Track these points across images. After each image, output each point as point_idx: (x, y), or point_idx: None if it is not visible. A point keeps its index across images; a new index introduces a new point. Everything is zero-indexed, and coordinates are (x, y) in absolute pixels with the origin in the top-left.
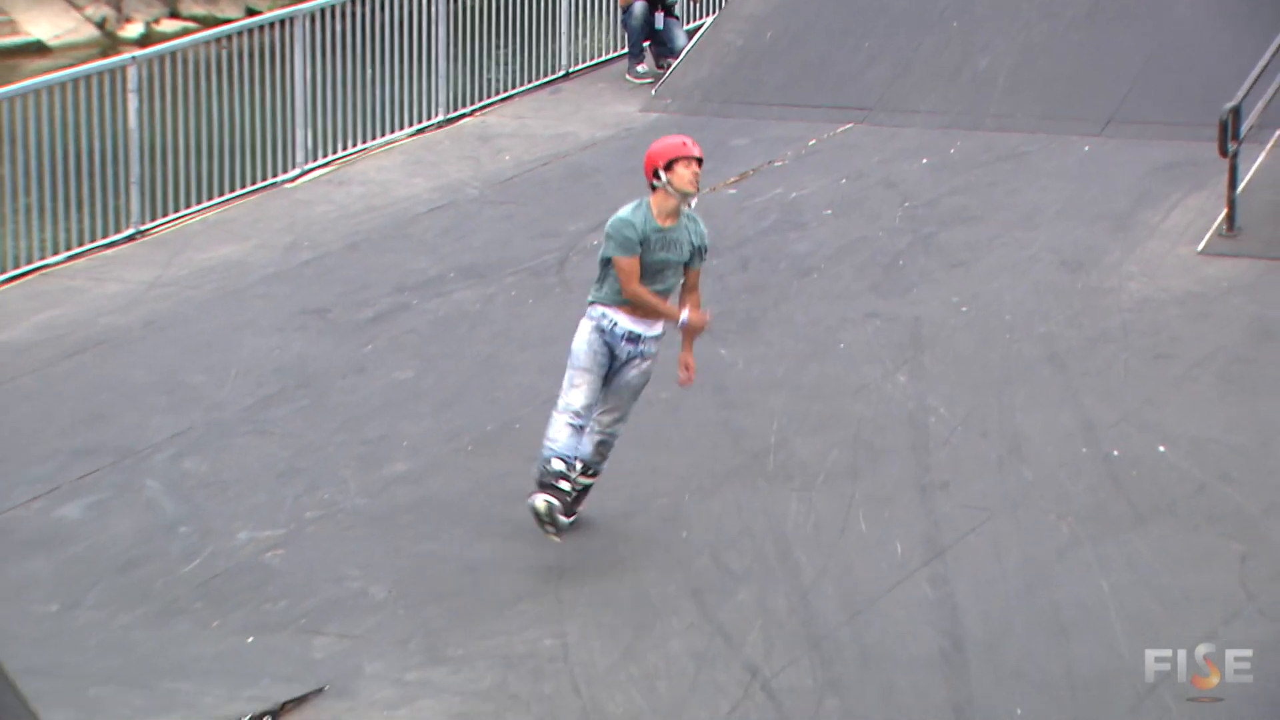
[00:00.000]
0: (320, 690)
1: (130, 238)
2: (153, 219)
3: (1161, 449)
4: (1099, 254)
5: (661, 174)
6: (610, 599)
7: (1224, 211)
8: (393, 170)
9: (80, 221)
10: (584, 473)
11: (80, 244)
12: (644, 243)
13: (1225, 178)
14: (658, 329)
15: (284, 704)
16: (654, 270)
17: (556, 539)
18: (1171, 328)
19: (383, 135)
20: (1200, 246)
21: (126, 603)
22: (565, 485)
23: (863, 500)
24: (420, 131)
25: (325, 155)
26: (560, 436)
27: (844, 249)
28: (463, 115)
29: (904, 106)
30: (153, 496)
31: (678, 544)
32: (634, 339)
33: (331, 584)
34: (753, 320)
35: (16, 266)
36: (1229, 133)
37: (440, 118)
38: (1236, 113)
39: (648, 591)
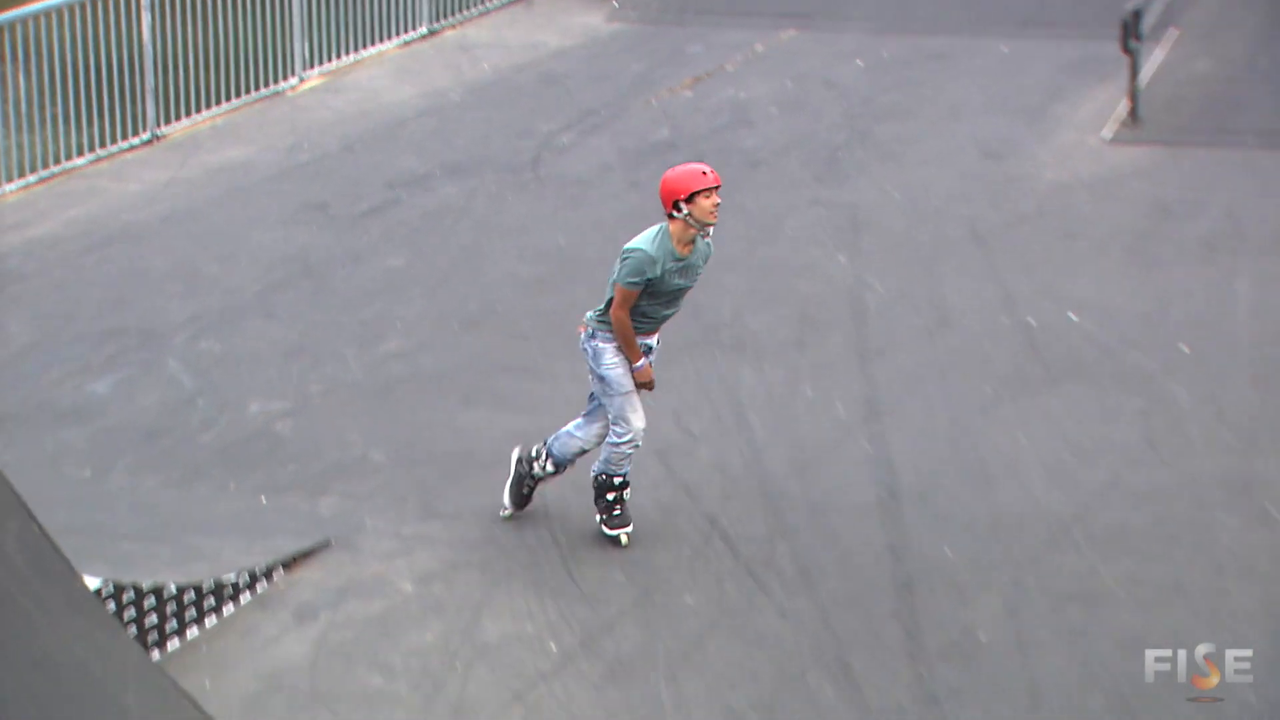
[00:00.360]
0: (327, 543)
1: (147, 142)
2: (167, 124)
3: (1073, 317)
4: (1016, 144)
5: (682, 205)
6: (584, 459)
7: (1127, 104)
8: (383, 79)
9: (101, 128)
10: (553, 474)
11: (102, 148)
12: (663, 274)
13: (1128, 73)
14: (655, 338)
15: (294, 556)
16: (669, 298)
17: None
18: (1081, 209)
19: (373, 47)
20: (1106, 136)
21: (152, 468)
22: (628, 495)
23: (808, 368)
24: (407, 44)
25: (322, 65)
26: (625, 464)
27: (789, 144)
28: (445, 28)
29: (840, 13)
30: (173, 373)
31: (644, 408)
32: (647, 351)
33: (335, 449)
34: None
35: (46, 168)
36: (1130, 32)
37: (424, 30)
38: (1137, 14)
39: None
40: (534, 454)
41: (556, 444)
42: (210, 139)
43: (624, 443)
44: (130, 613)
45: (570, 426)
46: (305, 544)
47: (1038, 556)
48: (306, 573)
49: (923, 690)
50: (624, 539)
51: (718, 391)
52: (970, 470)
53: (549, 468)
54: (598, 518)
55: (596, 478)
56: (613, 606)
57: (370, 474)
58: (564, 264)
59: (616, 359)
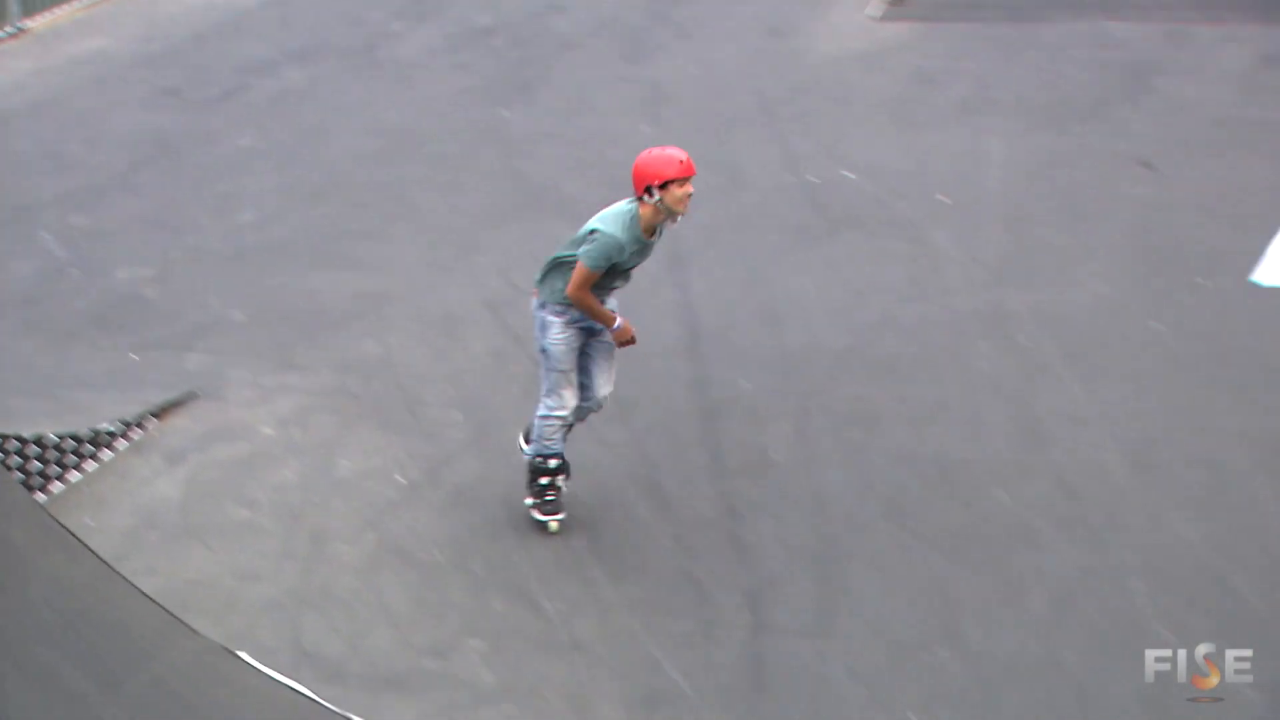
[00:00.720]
0: (194, 395)
1: (12, 35)
2: (30, 18)
3: (848, 174)
4: (795, 22)
5: (655, 191)
6: (422, 313)
7: None
8: None
9: None
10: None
11: None
12: (627, 256)
13: None
14: (611, 300)
15: (164, 406)
16: (622, 275)
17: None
18: (853, 79)
19: None
20: (874, 14)
21: (30, 332)
22: (561, 481)
23: None
24: None
25: None
26: (556, 437)
27: (598, 27)
28: None
29: None
30: (46, 245)
31: (475, 266)
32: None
33: (198, 310)
34: (528, 86)
35: None
36: None
37: None
38: None
39: (452, 306)
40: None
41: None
42: (71, 31)
43: (554, 415)
44: (15, 460)
45: None
46: (174, 395)
47: (822, 385)
48: (176, 421)
49: (725, 504)
50: (554, 526)
51: (540, 249)
52: (763, 311)
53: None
54: (527, 501)
55: (530, 461)
56: (452, 442)
57: (231, 331)
58: (398, 139)
59: (562, 335)
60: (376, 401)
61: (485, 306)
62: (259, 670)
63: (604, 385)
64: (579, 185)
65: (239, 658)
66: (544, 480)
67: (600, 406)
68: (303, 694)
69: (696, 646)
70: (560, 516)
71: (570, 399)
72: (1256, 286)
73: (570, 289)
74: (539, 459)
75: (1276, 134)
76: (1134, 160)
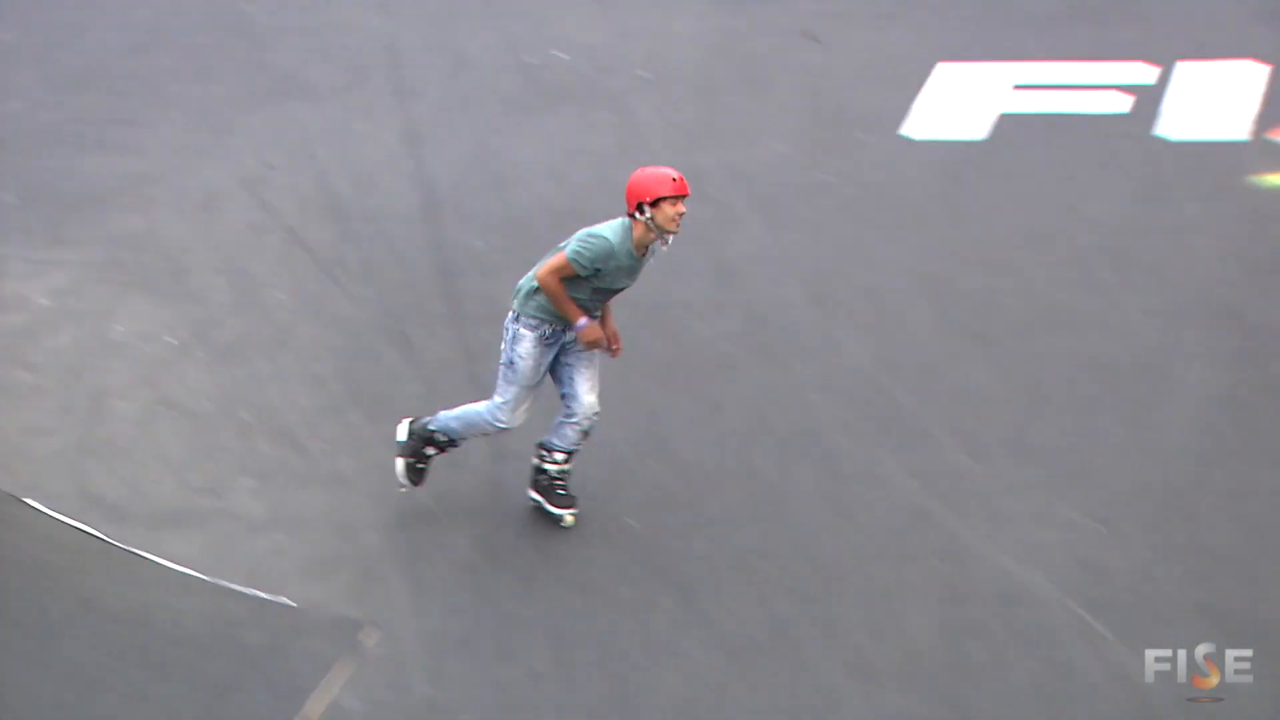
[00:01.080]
0: None
1: None
2: None
3: (559, 54)
4: None
5: (646, 208)
6: (183, 191)
7: None
8: None
9: None
10: (565, 461)
11: None
12: (614, 269)
13: None
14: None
15: None
16: (606, 293)
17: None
18: None
19: None
20: None
21: None
22: (433, 464)
23: (359, 107)
24: None
25: None
26: (468, 435)
27: None
28: None
29: None
30: None
31: (229, 148)
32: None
33: None
34: None
35: None
36: None
37: None
38: None
39: (210, 184)
40: (540, 464)
41: (555, 437)
42: None
43: (492, 422)
44: None
45: (558, 418)
46: None
47: (545, 240)
48: None
49: (464, 349)
50: (401, 491)
51: (289, 131)
52: (490, 178)
53: (558, 458)
54: (400, 461)
55: (436, 431)
56: (217, 305)
57: (2, 213)
58: (151, 33)
59: (533, 350)
60: (144, 272)
61: (240, 184)
62: (47, 514)
63: (588, 393)
64: (319, 71)
65: (27, 504)
66: (430, 450)
67: (592, 417)
68: (89, 533)
69: (443, 473)
70: (407, 487)
71: (515, 420)
72: (906, 140)
73: (542, 271)
74: (436, 432)
75: (919, 8)
76: (801, 33)
